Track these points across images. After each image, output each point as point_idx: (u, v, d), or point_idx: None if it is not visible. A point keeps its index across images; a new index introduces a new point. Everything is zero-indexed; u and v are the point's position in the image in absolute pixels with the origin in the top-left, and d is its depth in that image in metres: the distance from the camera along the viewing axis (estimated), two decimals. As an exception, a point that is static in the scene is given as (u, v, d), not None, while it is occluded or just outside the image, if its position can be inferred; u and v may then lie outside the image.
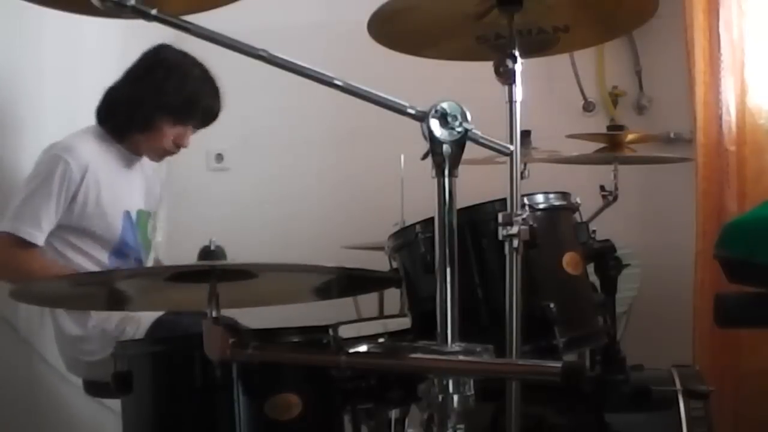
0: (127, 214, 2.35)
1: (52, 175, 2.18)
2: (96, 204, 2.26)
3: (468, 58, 1.79)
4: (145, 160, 2.46)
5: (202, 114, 2.36)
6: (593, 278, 1.93)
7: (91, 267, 2.26)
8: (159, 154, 2.41)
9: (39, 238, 2.17)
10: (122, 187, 2.35)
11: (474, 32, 1.69)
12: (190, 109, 2.33)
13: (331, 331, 1.62)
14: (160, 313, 2.26)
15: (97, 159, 2.28)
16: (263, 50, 1.24)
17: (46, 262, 2.21)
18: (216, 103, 2.37)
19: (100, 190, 2.27)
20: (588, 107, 3.52)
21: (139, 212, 2.40)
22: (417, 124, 1.23)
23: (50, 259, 2.23)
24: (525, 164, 2.47)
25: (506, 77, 1.55)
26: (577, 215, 1.89)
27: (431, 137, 1.22)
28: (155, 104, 2.30)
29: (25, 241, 2.15)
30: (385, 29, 1.66)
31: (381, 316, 2.69)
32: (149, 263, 2.46)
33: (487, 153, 1.43)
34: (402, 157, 2.61)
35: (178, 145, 2.36)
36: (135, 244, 2.37)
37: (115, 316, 2.25)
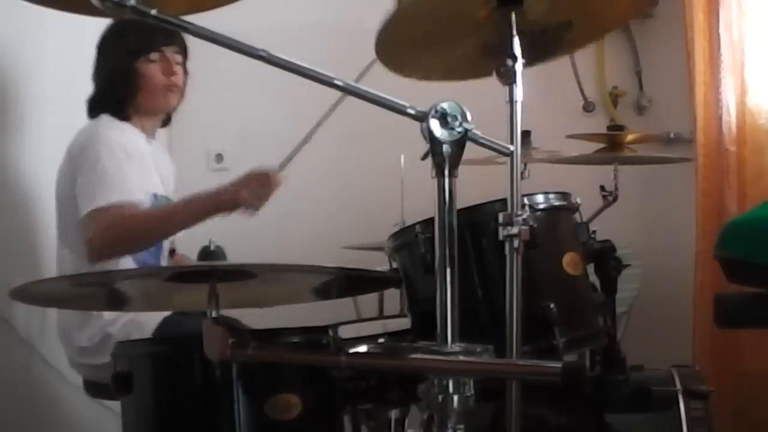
0: (154, 197, 2.33)
1: (109, 145, 2.17)
2: (141, 181, 2.25)
3: (476, 76, 1.76)
4: (156, 147, 2.45)
5: (162, 30, 2.29)
6: (593, 278, 1.93)
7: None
8: (163, 96, 2.36)
9: (135, 195, 2.15)
10: (145, 172, 2.33)
11: (478, 42, 1.66)
12: (151, 35, 2.31)
13: (330, 332, 1.62)
14: (164, 315, 2.25)
15: (124, 140, 2.27)
16: (263, 50, 1.24)
17: (146, 214, 2.18)
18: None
19: (140, 169, 2.26)
20: (588, 107, 3.52)
21: (159, 198, 2.38)
22: (417, 124, 1.23)
23: (145, 209, 2.19)
24: (525, 164, 2.47)
25: (506, 77, 1.54)
26: (577, 215, 1.89)
27: (431, 137, 1.22)
28: (124, 57, 2.30)
29: (122, 206, 2.12)
30: (391, 51, 1.64)
31: (381, 316, 2.69)
32: (165, 251, 2.45)
33: (487, 153, 1.43)
34: (402, 157, 2.61)
35: (170, 73, 2.34)
36: None
37: (119, 321, 2.24)
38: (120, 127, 2.31)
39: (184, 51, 2.40)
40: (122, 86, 2.32)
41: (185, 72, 2.42)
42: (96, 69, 2.36)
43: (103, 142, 2.20)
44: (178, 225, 2.20)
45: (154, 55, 2.32)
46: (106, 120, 2.31)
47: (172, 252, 2.53)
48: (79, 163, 2.20)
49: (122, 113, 2.34)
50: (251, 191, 2.12)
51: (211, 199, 2.16)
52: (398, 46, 1.64)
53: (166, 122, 2.51)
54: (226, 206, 2.15)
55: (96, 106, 2.36)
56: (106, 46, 2.35)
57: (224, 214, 2.16)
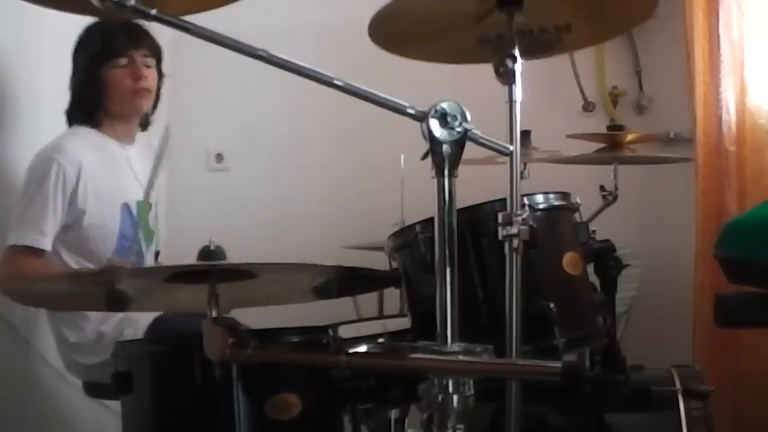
0: (126, 206, 2.34)
1: (46, 177, 2.19)
2: (96, 200, 2.26)
3: (470, 61, 1.79)
4: (136, 151, 2.45)
5: (126, 35, 2.32)
6: (593, 278, 1.93)
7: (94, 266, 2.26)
8: (131, 100, 2.36)
9: (44, 243, 2.17)
10: (119, 180, 2.35)
11: (475, 33, 1.68)
12: (111, 39, 2.31)
13: (330, 331, 1.62)
14: (157, 312, 2.25)
15: (89, 155, 2.28)
16: (263, 50, 1.24)
17: (53, 269, 2.21)
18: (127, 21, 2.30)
19: (97, 185, 2.27)
20: (588, 107, 3.52)
21: (139, 203, 2.39)
22: (417, 124, 1.23)
23: (57, 265, 2.23)
24: (525, 164, 2.47)
25: (506, 77, 1.55)
26: (577, 215, 1.89)
27: (431, 137, 1.22)
28: (89, 64, 2.32)
29: (30, 248, 2.15)
30: (386, 32, 1.65)
31: (381, 316, 2.69)
32: (150, 255, 2.45)
33: (487, 153, 1.43)
34: (402, 157, 2.61)
35: (137, 77, 2.33)
36: (134, 237, 2.36)
37: (112, 319, 2.25)
38: (86, 138, 2.32)
39: (155, 53, 2.40)
40: (89, 94, 2.34)
41: (160, 74, 2.43)
42: (70, 77, 2.38)
43: (48, 167, 2.20)
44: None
45: (122, 60, 2.32)
46: (68, 135, 2.33)
47: (157, 254, 2.53)
48: (24, 187, 2.23)
49: (93, 120, 2.36)
50: None
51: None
52: (393, 29, 1.65)
53: (145, 126, 2.52)
54: None
55: (70, 116, 2.38)
56: (74, 55, 2.36)
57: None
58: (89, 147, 2.31)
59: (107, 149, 2.35)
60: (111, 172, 2.32)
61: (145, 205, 2.41)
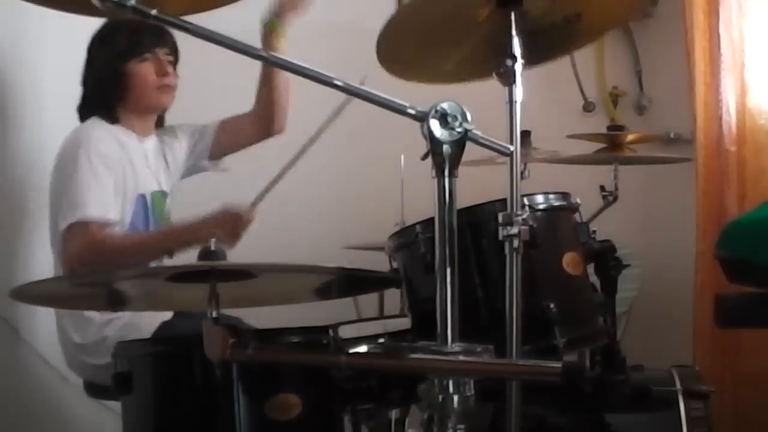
0: (142, 197, 2.33)
1: (87, 155, 2.17)
2: (123, 189, 2.26)
3: (483, 77, 1.76)
4: (152, 145, 2.45)
5: (153, 32, 2.33)
6: (593, 278, 1.93)
7: None
8: (156, 96, 2.37)
9: (111, 213, 2.16)
10: (136, 173, 2.34)
11: (484, 42, 1.67)
12: (139, 36, 2.32)
13: (331, 332, 1.62)
14: (163, 318, 2.24)
15: (111, 144, 2.27)
16: (263, 50, 1.25)
17: (125, 236, 2.19)
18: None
19: (125, 173, 2.27)
20: (588, 107, 3.52)
21: (154, 194, 2.39)
22: (417, 124, 1.23)
23: (122, 234, 2.21)
24: (525, 164, 2.47)
25: (506, 77, 1.55)
26: (577, 215, 1.89)
27: (431, 137, 1.22)
28: (113, 60, 2.31)
29: (98, 223, 2.13)
30: (394, 56, 1.64)
31: (381, 316, 2.69)
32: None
33: (487, 153, 1.43)
34: (402, 157, 2.61)
35: (162, 74, 2.34)
36: (145, 229, 2.35)
37: (116, 323, 2.24)
38: (106, 129, 2.31)
39: (174, 53, 2.40)
40: (112, 88, 2.33)
41: (175, 73, 2.43)
42: (85, 73, 2.36)
43: (83, 150, 2.19)
44: (151, 254, 2.22)
45: (148, 56, 2.33)
46: (91, 124, 2.32)
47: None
48: (60, 173, 2.22)
49: (112, 115, 2.34)
50: (224, 230, 2.12)
51: (187, 233, 2.17)
52: (400, 50, 1.65)
53: (159, 123, 2.51)
54: (199, 242, 2.15)
55: (86, 110, 2.36)
56: (95, 50, 2.34)
57: (196, 247, 2.17)
58: (110, 137, 2.30)
59: (125, 142, 2.35)
60: (131, 162, 2.31)
61: (159, 194, 2.41)
